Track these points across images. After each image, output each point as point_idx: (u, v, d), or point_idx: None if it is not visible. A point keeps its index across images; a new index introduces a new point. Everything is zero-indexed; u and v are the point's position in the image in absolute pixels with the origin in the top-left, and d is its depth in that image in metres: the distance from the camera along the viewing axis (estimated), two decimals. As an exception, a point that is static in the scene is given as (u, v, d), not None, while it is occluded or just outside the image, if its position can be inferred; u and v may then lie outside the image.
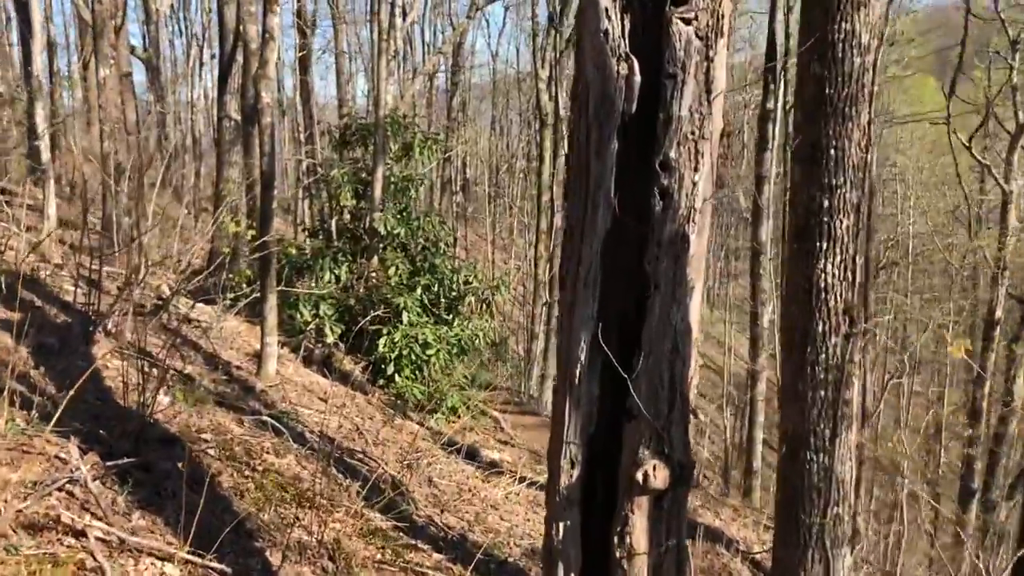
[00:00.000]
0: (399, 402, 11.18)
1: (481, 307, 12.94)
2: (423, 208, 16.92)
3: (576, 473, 3.08)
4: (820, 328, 4.42)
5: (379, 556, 5.59)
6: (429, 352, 11.37)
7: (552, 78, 23.00)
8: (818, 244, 4.38)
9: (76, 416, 5.40)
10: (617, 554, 3.01)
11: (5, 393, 4.57)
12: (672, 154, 3.00)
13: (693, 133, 3.00)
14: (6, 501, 3.92)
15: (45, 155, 12.99)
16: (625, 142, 3.07)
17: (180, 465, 4.22)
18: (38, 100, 12.12)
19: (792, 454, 4.60)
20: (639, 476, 2.91)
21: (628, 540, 2.98)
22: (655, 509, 3.00)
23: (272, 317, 8.48)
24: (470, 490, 8.26)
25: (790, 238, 4.54)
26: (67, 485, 4.34)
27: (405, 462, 8.06)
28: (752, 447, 15.87)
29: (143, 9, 25.84)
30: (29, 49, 15.19)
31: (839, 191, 4.30)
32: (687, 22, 3.00)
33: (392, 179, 12.79)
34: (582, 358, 3.04)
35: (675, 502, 3.03)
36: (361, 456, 7.66)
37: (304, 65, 20.76)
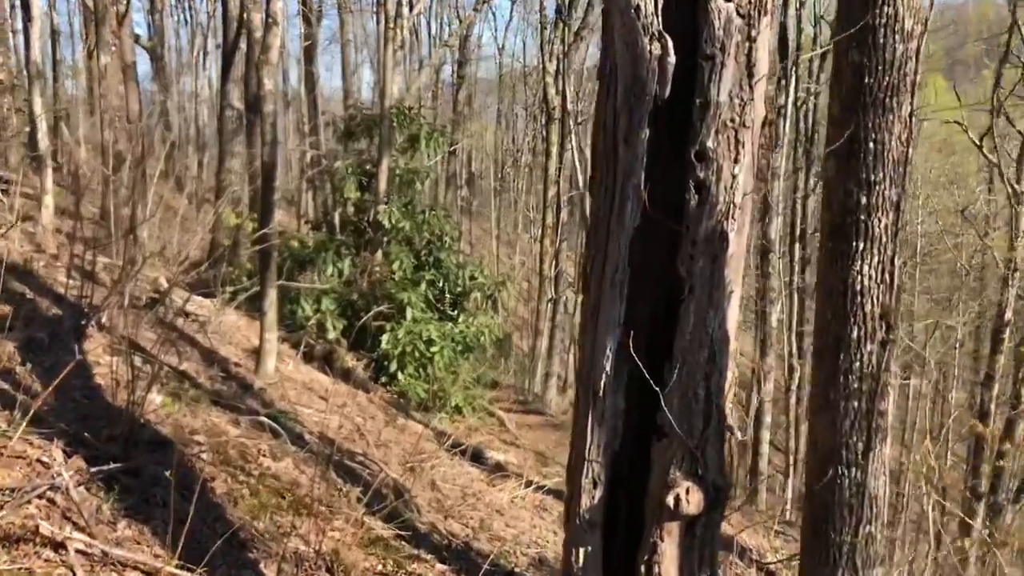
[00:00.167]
0: (402, 401, 10.91)
1: (487, 304, 12.66)
2: (428, 202, 16.63)
3: (598, 494, 2.80)
4: (855, 334, 4.13)
5: (380, 567, 5.31)
6: (433, 349, 11.10)
7: (559, 72, 22.69)
8: (854, 244, 4.09)
9: (62, 416, 5.13)
10: (643, 585, 2.73)
11: (-16, 392, 4.31)
12: (710, 143, 2.71)
13: (733, 120, 2.71)
14: (-20, 511, 3.65)
15: (44, 143, 12.73)
16: (656, 130, 2.78)
17: (168, 474, 3.93)
18: (36, 86, 11.82)
19: (822, 467, 4.31)
20: (670, 500, 2.62)
21: (656, 570, 2.70)
22: (687, 536, 2.71)
23: (272, 312, 8.21)
24: (474, 494, 7.98)
25: (824, 237, 4.25)
26: (48, 492, 4.06)
27: (408, 465, 7.78)
28: (758, 448, 15.59)
29: (148, -3, 25.57)
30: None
31: (878, 187, 4.01)
32: (727, -2, 2.71)
33: (397, 172, 12.50)
34: (607, 367, 2.75)
35: (708, 528, 2.74)
36: (362, 459, 7.39)
37: (309, 55, 20.47)
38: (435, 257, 12.25)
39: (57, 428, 4.84)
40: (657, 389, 2.65)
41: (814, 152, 23.94)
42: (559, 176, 22.72)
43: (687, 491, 2.63)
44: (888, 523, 4.82)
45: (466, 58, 33.38)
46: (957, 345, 27.30)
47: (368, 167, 12.66)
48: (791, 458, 21.14)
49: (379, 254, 12.02)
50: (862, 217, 4.06)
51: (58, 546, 3.72)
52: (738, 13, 2.73)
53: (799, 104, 20.30)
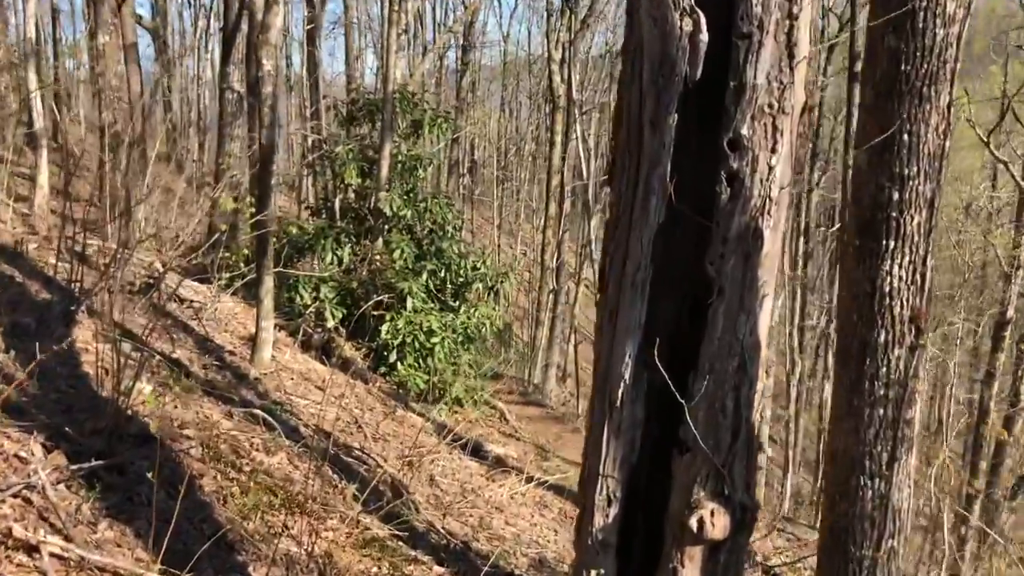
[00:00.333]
0: (401, 392, 10.68)
1: (489, 295, 12.42)
2: (430, 189, 16.37)
3: (613, 512, 2.57)
4: (882, 338, 3.89)
5: (375, 570, 5.08)
6: (434, 340, 10.86)
7: (565, 60, 22.42)
8: (884, 243, 3.84)
9: (44, 407, 4.90)
10: (661, 612, 2.50)
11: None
12: (744, 131, 2.46)
13: (771, 106, 2.46)
14: (-51, 511, 3.42)
15: (39, 123, 12.47)
16: (685, 115, 2.54)
17: (151, 475, 3.70)
18: (31, 63, 11.55)
19: (843, 477, 4.08)
20: (693, 522, 2.39)
21: (676, 598, 2.47)
22: (709, 561, 2.48)
23: (268, 300, 7.96)
24: (474, 490, 7.76)
25: (851, 234, 4.01)
26: (24, 491, 3.83)
27: (406, 459, 7.55)
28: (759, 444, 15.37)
29: (150, -23, 25.23)
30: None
31: (912, 183, 3.76)
32: (766, -30, 2.46)
33: (400, 158, 12.23)
34: (626, 375, 2.52)
35: (734, 553, 2.51)
36: (359, 453, 7.16)
37: (312, 37, 20.15)
38: (437, 246, 12.00)
39: (38, 421, 4.61)
40: (682, 400, 2.41)
41: (819, 145, 23.68)
42: (563, 166, 22.48)
43: (712, 513, 2.40)
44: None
45: (470, 44, 33.04)
46: (957, 341, 27.12)
47: (370, 152, 12.40)
48: (790, 452, 20.99)
49: (380, 242, 11.77)
50: (893, 214, 3.81)
51: (32, 549, 3.49)
52: (778, -12, 2.48)
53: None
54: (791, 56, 2.48)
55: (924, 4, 3.61)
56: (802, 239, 22.52)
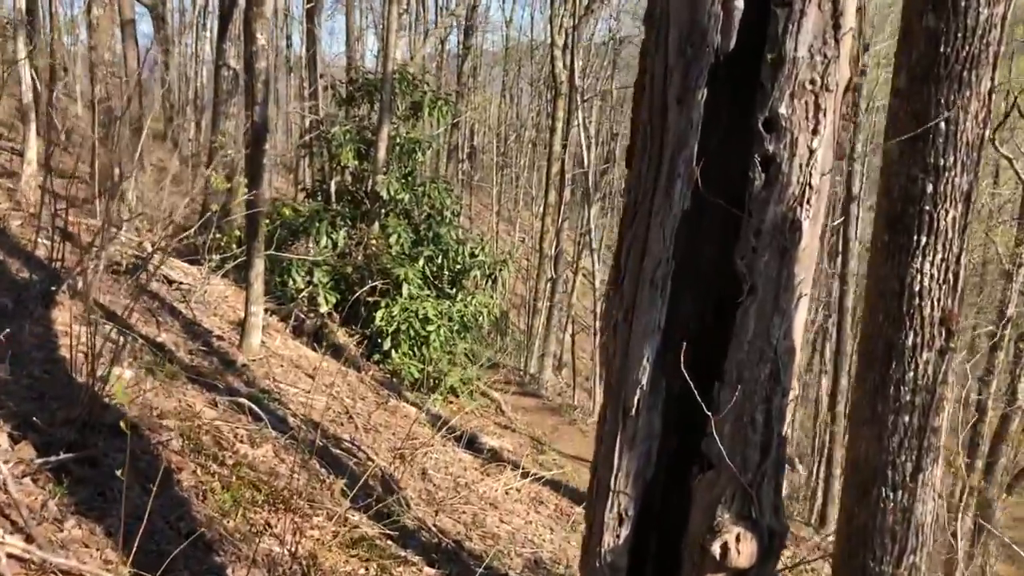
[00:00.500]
0: (395, 380, 10.42)
1: (486, 283, 12.14)
2: (428, 174, 16.05)
3: (624, 532, 2.30)
4: (910, 340, 3.63)
5: (362, 571, 4.83)
6: (429, 328, 10.59)
7: (567, 46, 22.08)
8: (915, 238, 3.57)
9: (14, 394, 4.63)
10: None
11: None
12: (783, 109, 2.18)
13: (813, 82, 2.18)
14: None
15: (28, 96, 12.13)
16: (715, 91, 2.26)
17: (119, 473, 3.42)
18: (20, 35, 11.21)
19: (863, 488, 3.82)
20: (715, 548, 2.13)
21: (694, 632, 2.21)
22: (732, 591, 2.21)
23: (258, 284, 7.68)
24: (467, 485, 7.51)
25: (879, 229, 3.73)
26: (-16, 486, 3.57)
27: (398, 452, 7.30)
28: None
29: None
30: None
31: (947, 174, 3.48)
32: (811, -71, 2.18)
33: (398, 140, 11.93)
34: (643, 381, 2.25)
35: (759, 583, 2.24)
36: (349, 445, 6.90)
37: (311, 14, 19.78)
38: (434, 232, 11.71)
39: (6, 408, 4.35)
40: (708, 412, 2.14)
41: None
42: (564, 153, 22.19)
43: (737, 538, 2.13)
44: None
45: (472, 28, 32.66)
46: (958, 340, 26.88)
47: (367, 134, 12.09)
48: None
49: (376, 226, 11.48)
50: (926, 207, 3.54)
51: (-10, 551, 3.23)
52: (823, -50, 2.20)
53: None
54: (836, 27, 2.20)
55: (968, -20, 3.34)
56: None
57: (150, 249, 9.32)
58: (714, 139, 2.33)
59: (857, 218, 18.34)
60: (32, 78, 11.47)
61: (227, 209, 11.34)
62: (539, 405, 14.55)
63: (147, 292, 8.55)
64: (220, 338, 8.12)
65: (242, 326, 8.08)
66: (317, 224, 11.12)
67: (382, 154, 11.44)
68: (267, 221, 10.79)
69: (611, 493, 2.29)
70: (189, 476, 4.65)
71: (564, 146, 22.08)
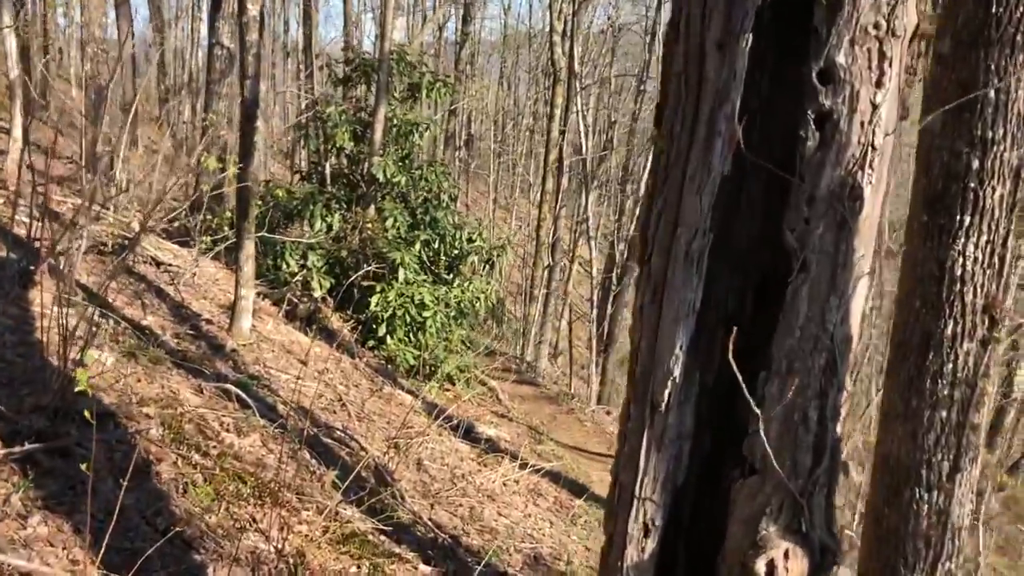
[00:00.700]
0: (389, 367, 10.12)
1: (484, 268, 11.83)
2: (426, 159, 15.71)
3: (651, 545, 2.01)
4: (949, 329, 3.33)
5: (353, 569, 4.54)
6: (425, 314, 10.29)
7: (566, 33, 21.74)
8: (958, 218, 3.27)
9: (-18, 379, 4.33)
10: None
11: None
12: (841, 58, 1.88)
13: (877, 26, 1.88)
14: None
15: (14, 72, 11.77)
16: (760, 38, 1.96)
17: (84, 467, 3.12)
18: (5, 7, 10.84)
19: (894, 488, 3.54)
20: (760, 566, 1.84)
21: (732, 661, 1.92)
22: (776, 614, 1.92)
23: (248, 266, 7.37)
24: (464, 476, 7.22)
25: (916, 208, 3.44)
26: (-60, 479, 3.27)
27: (392, 441, 7.01)
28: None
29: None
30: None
31: (995, 148, 3.19)
32: None
33: (395, 122, 11.58)
34: (675, 372, 1.95)
35: (807, 604, 1.95)
36: (341, 434, 6.61)
37: (307, -5, 19.37)
38: (432, 216, 11.39)
39: (-28, 394, 4.05)
40: (757, 409, 1.84)
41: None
42: (562, 139, 21.87)
43: (786, 555, 1.84)
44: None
45: (471, 15, 32.24)
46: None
47: (363, 115, 11.75)
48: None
49: (372, 209, 11.15)
50: (971, 184, 3.24)
51: (-58, 551, 2.93)
52: None
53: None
54: (904, -37, 1.90)
55: (1025, -67, 3.03)
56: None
57: (138, 229, 9.00)
58: (756, 95, 2.03)
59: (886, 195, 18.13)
60: (17, 51, 11.09)
61: (221, 189, 11.02)
62: (536, 394, 14.25)
63: (133, 274, 8.24)
64: (209, 322, 7.81)
65: (232, 310, 7.77)
66: (312, 207, 10.79)
67: (379, 136, 11.11)
68: (260, 203, 10.47)
69: (636, 500, 2.00)
70: (169, 468, 4.36)
71: (562, 132, 21.77)
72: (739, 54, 1.91)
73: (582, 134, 24.46)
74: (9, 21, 10.57)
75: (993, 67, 3.15)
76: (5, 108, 15.73)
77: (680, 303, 1.95)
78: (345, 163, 12.02)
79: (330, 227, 10.87)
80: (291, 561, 4.19)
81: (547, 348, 22.06)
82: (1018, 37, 3.10)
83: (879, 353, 9.47)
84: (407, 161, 11.60)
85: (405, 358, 10.28)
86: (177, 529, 3.78)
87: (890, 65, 1.89)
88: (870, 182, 1.89)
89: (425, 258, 10.97)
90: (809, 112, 1.92)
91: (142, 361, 5.75)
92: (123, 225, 9.41)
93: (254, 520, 4.36)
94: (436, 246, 11.18)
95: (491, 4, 47.27)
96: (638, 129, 29.68)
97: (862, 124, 1.88)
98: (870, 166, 1.88)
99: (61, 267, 6.66)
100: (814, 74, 1.91)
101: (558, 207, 22.43)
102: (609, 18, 30.04)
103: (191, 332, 7.26)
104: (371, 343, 10.38)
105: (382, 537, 5.10)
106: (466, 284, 11.24)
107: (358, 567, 4.59)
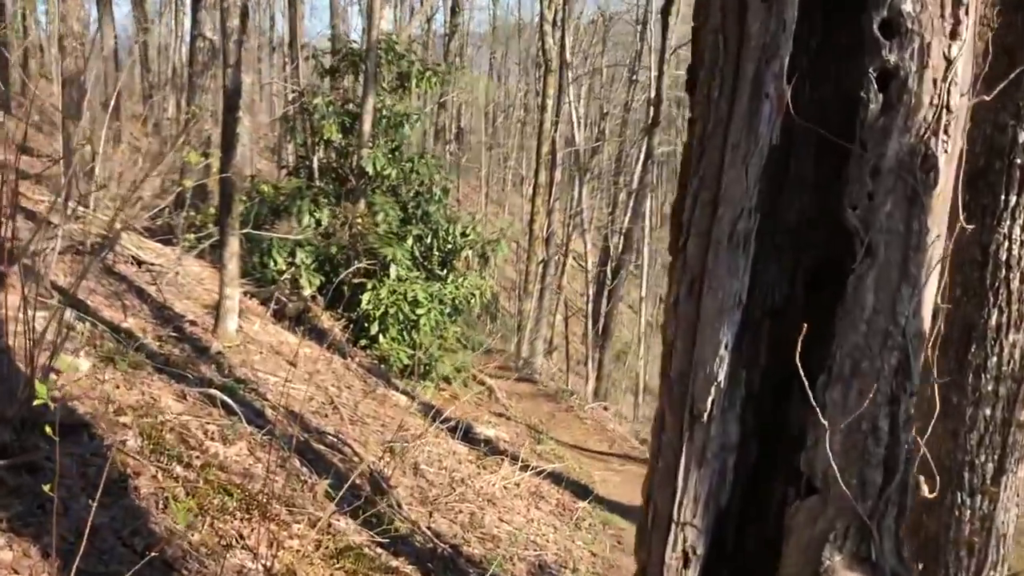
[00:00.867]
0: (383, 367, 9.83)
1: (479, 263, 11.53)
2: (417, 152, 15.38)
3: (691, 576, 1.73)
4: (993, 319, 3.07)
5: (348, 586, 4.26)
6: (419, 311, 9.99)
7: (556, 23, 21.45)
8: (1002, 198, 3.00)
9: (-56, 390, 4.02)
10: None
11: None
12: (908, 6, 1.60)
13: (951, -34, 1.60)
14: None
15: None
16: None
17: (47, 488, 2.82)
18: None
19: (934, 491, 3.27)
20: (824, 603, 1.55)
21: None
22: (843, 657, 1.65)
23: (233, 265, 7.07)
24: (463, 480, 6.95)
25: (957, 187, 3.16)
26: None
27: (387, 445, 6.72)
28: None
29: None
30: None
31: (1044, 120, 2.93)
32: None
33: (384, 113, 11.27)
34: (720, 375, 1.67)
35: (876, 644, 1.68)
36: (334, 439, 6.32)
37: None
38: (423, 210, 11.08)
39: (-68, 407, 3.74)
40: (824, 421, 1.56)
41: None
42: (554, 131, 21.59)
43: (854, 589, 1.56)
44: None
45: (459, 5, 31.88)
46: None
47: (351, 107, 11.43)
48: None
49: (362, 204, 10.83)
50: (1018, 160, 2.97)
51: None
52: None
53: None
54: None
55: None
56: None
57: (118, 227, 8.68)
58: (805, 50, 1.74)
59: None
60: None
61: (205, 187, 10.71)
62: (534, 391, 13.97)
63: (114, 274, 7.93)
64: (193, 323, 7.50)
65: (217, 310, 7.47)
66: (299, 202, 10.47)
67: (367, 127, 10.80)
68: (246, 199, 10.16)
69: (674, 525, 1.72)
70: (148, 482, 4.06)
71: (554, 123, 21.49)
72: (788, 3, 1.63)
73: (575, 125, 24.20)
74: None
75: (1041, 31, 2.88)
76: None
77: (724, 295, 1.67)
78: (333, 156, 11.70)
79: (319, 223, 10.55)
80: (281, 579, 3.90)
81: (542, 344, 21.81)
82: (1068, -3, 2.83)
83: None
84: (397, 153, 11.30)
85: (399, 357, 9.98)
86: (156, 550, 3.48)
87: (966, 13, 1.61)
88: (944, 150, 1.61)
89: (418, 253, 10.67)
90: (871, 70, 1.63)
91: (121, 366, 5.44)
92: (104, 224, 9.09)
93: (241, 536, 4.07)
94: (429, 241, 10.88)
95: (479, -2, 47.14)
96: (631, 120, 29.43)
97: (934, 82, 1.60)
98: (944, 132, 1.60)
99: (39, 269, 6.36)
100: (875, 25, 1.63)
101: (552, 200, 22.18)
102: (600, 7, 29.82)
103: (174, 334, 6.96)
104: (363, 342, 10.08)
105: (379, 550, 4.82)
106: (460, 280, 10.94)
107: (353, 582, 4.31)
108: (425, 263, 10.89)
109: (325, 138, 10.95)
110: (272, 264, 9.90)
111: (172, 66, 27.26)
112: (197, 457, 4.59)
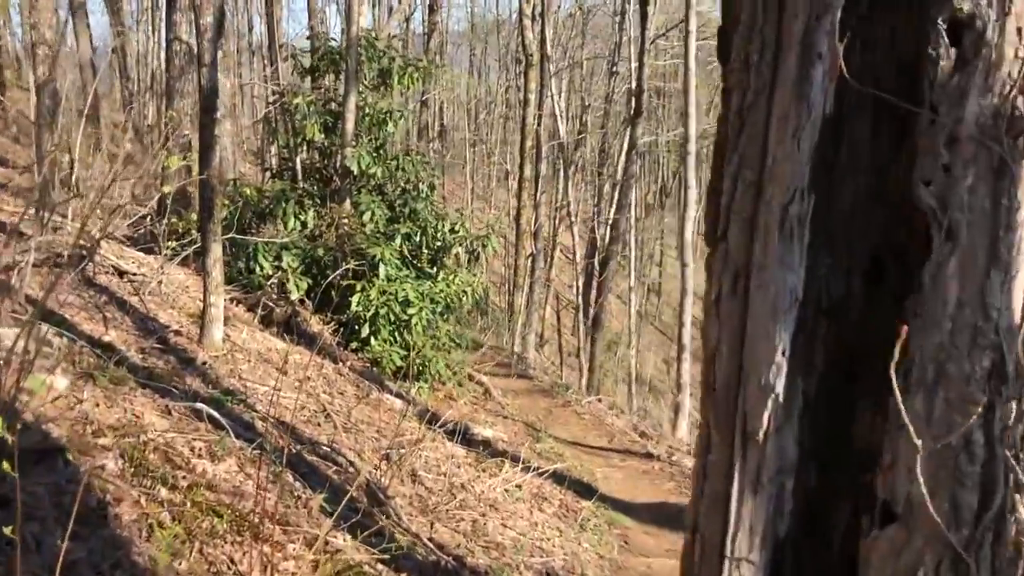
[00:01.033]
0: (375, 370, 9.57)
1: (469, 260, 11.28)
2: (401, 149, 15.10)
3: (747, 619, 1.48)
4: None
5: (349, 608, 4.01)
6: (410, 311, 9.73)
7: (535, 17, 21.17)
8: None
9: (-95, 419, 3.74)
10: None
11: None
12: (983, -53, 1.36)
13: None
14: None
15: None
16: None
17: (9, 530, 2.57)
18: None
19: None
20: (913, 651, 1.31)
21: None
22: None
23: (217, 271, 6.80)
24: (463, 486, 6.71)
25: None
26: None
27: (383, 453, 6.47)
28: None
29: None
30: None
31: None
32: None
33: (367, 111, 11.00)
34: (777, 386, 1.42)
35: None
36: (328, 449, 6.06)
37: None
38: (411, 208, 10.82)
39: None
40: (918, 440, 1.32)
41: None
42: (537, 125, 21.36)
43: (949, 635, 1.32)
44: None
45: (437, 3, 31.56)
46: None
47: (333, 106, 11.15)
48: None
49: (347, 204, 10.57)
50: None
51: None
52: None
53: None
54: None
55: None
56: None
57: (96, 235, 8.39)
58: (856, 3, 1.50)
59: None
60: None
61: (184, 182, 10.42)
62: (529, 387, 13.74)
63: (94, 286, 7.65)
64: (178, 333, 7.23)
65: (202, 319, 7.20)
66: (283, 204, 10.20)
67: (350, 126, 10.52)
68: (229, 203, 9.88)
69: (727, 562, 1.47)
70: (130, 508, 3.79)
71: (537, 117, 21.26)
72: (841, -51, 1.38)
73: (557, 118, 23.97)
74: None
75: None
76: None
77: (777, 291, 1.43)
78: (316, 157, 11.43)
79: (304, 225, 10.28)
80: (277, 606, 3.66)
81: (534, 338, 21.63)
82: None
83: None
84: (382, 152, 11.03)
85: (391, 359, 9.73)
86: (142, 572, 3.24)
87: (1053, -50, 1.36)
88: (1034, 115, 1.36)
89: (406, 252, 10.40)
90: (940, 21, 1.39)
91: (101, 382, 5.17)
92: (84, 235, 8.79)
93: (232, 561, 3.82)
94: (417, 239, 10.62)
95: (457, -6, 46.85)
96: (611, 112, 29.22)
97: (1019, 31, 1.36)
98: (1032, 92, 1.36)
99: (13, 282, 6.09)
100: (944, -32, 1.38)
101: (538, 194, 21.97)
102: (577, 1, 29.64)
103: (158, 346, 6.69)
104: (354, 345, 9.83)
105: (379, 566, 4.57)
106: (451, 277, 10.69)
107: (354, 604, 4.06)
108: (414, 261, 10.63)
109: (308, 138, 10.68)
110: (258, 269, 9.63)
111: (151, 73, 26.86)
112: (184, 477, 4.33)
